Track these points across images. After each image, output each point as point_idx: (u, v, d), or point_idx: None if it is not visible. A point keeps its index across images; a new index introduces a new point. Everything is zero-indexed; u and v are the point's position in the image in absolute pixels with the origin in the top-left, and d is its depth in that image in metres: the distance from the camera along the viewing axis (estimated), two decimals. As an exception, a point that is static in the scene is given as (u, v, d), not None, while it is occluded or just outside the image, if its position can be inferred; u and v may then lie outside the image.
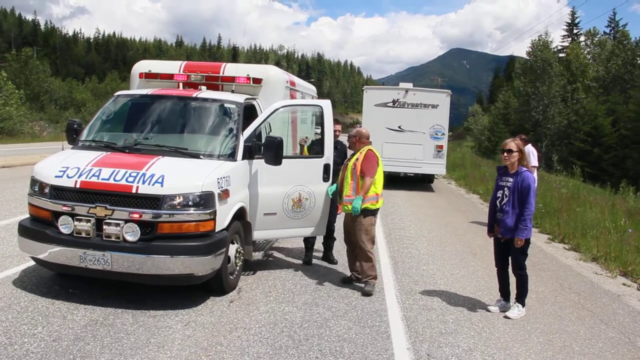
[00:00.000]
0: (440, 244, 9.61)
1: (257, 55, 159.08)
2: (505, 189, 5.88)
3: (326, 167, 6.87)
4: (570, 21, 65.83)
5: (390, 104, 17.30)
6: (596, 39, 57.41)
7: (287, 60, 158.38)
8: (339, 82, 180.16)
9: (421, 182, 18.95)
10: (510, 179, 5.84)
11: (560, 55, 55.23)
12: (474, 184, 19.16)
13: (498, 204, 5.98)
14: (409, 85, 18.37)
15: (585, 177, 23.41)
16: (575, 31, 65.27)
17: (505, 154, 5.88)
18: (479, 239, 10.07)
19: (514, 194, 5.78)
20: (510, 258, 6.04)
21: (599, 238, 9.87)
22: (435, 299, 6.44)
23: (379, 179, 6.57)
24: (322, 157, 6.90)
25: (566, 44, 62.74)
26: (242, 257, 6.33)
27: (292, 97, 8.15)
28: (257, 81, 7.28)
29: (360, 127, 7.68)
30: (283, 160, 6.29)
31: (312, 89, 10.37)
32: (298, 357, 4.61)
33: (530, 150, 10.86)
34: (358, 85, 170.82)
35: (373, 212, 6.53)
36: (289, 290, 6.37)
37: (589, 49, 56.56)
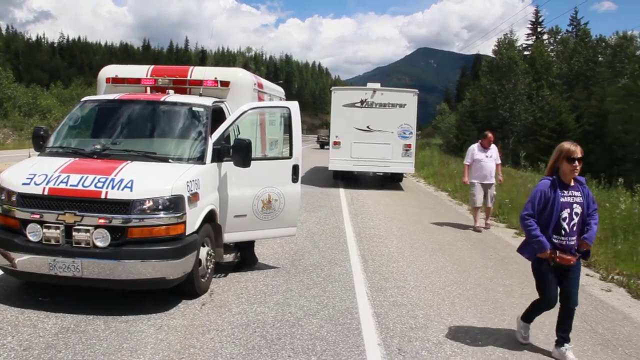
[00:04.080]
0: (410, 241, 9.76)
1: (225, 58, 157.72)
2: (575, 205, 4.83)
3: (295, 168, 6.94)
4: (534, 20, 67.22)
5: (359, 104, 17.43)
6: (559, 37, 58.75)
7: (255, 62, 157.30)
8: (307, 84, 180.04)
9: (390, 181, 19.15)
10: (577, 192, 4.87)
11: (525, 53, 56.35)
12: (443, 182, 19.44)
13: (566, 225, 4.80)
14: (377, 85, 18.54)
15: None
16: (539, 30, 66.67)
17: (576, 163, 4.78)
18: (448, 235, 10.27)
19: (585, 207, 4.89)
20: (570, 285, 4.95)
21: (563, 231, 10.11)
22: (406, 295, 6.56)
23: None
24: (290, 158, 6.97)
25: (530, 42, 63.99)
26: (213, 260, 6.37)
27: (260, 99, 8.19)
28: (225, 84, 7.31)
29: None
30: (252, 162, 6.35)
31: (280, 90, 10.43)
32: (271, 357, 4.67)
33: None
34: (326, 86, 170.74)
35: None
36: (261, 291, 6.41)
37: (552, 47, 57.85)
